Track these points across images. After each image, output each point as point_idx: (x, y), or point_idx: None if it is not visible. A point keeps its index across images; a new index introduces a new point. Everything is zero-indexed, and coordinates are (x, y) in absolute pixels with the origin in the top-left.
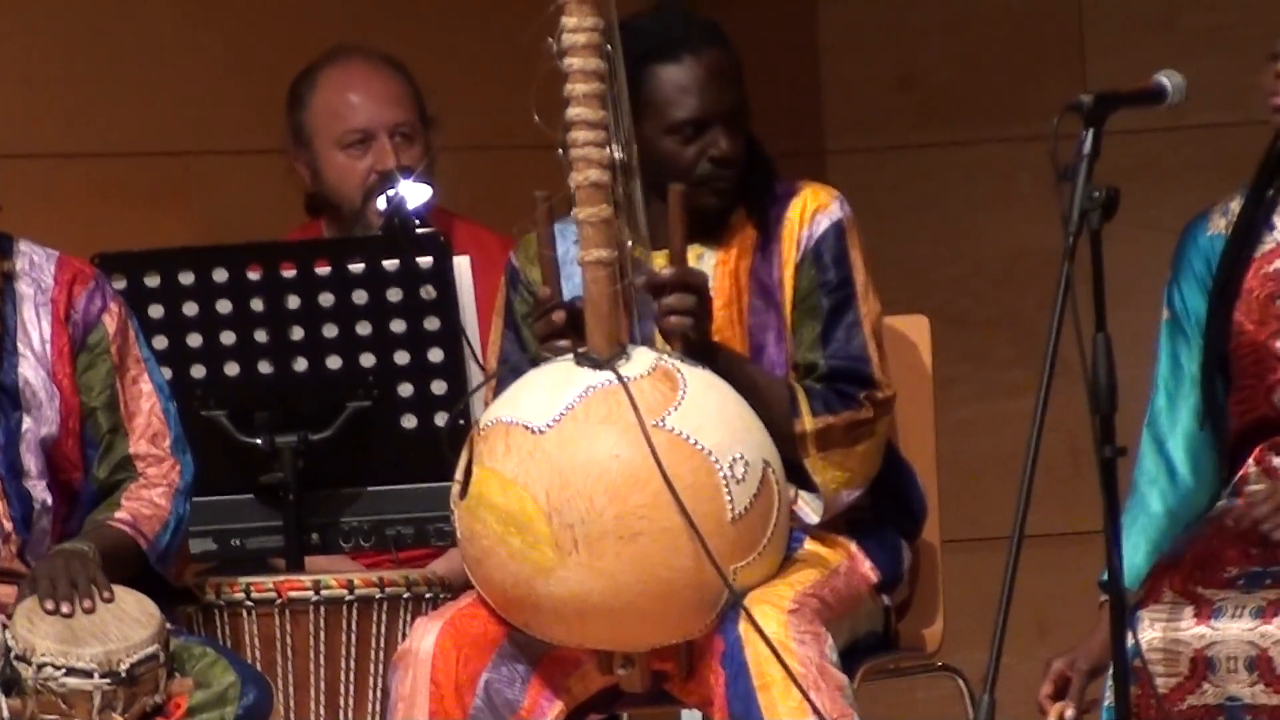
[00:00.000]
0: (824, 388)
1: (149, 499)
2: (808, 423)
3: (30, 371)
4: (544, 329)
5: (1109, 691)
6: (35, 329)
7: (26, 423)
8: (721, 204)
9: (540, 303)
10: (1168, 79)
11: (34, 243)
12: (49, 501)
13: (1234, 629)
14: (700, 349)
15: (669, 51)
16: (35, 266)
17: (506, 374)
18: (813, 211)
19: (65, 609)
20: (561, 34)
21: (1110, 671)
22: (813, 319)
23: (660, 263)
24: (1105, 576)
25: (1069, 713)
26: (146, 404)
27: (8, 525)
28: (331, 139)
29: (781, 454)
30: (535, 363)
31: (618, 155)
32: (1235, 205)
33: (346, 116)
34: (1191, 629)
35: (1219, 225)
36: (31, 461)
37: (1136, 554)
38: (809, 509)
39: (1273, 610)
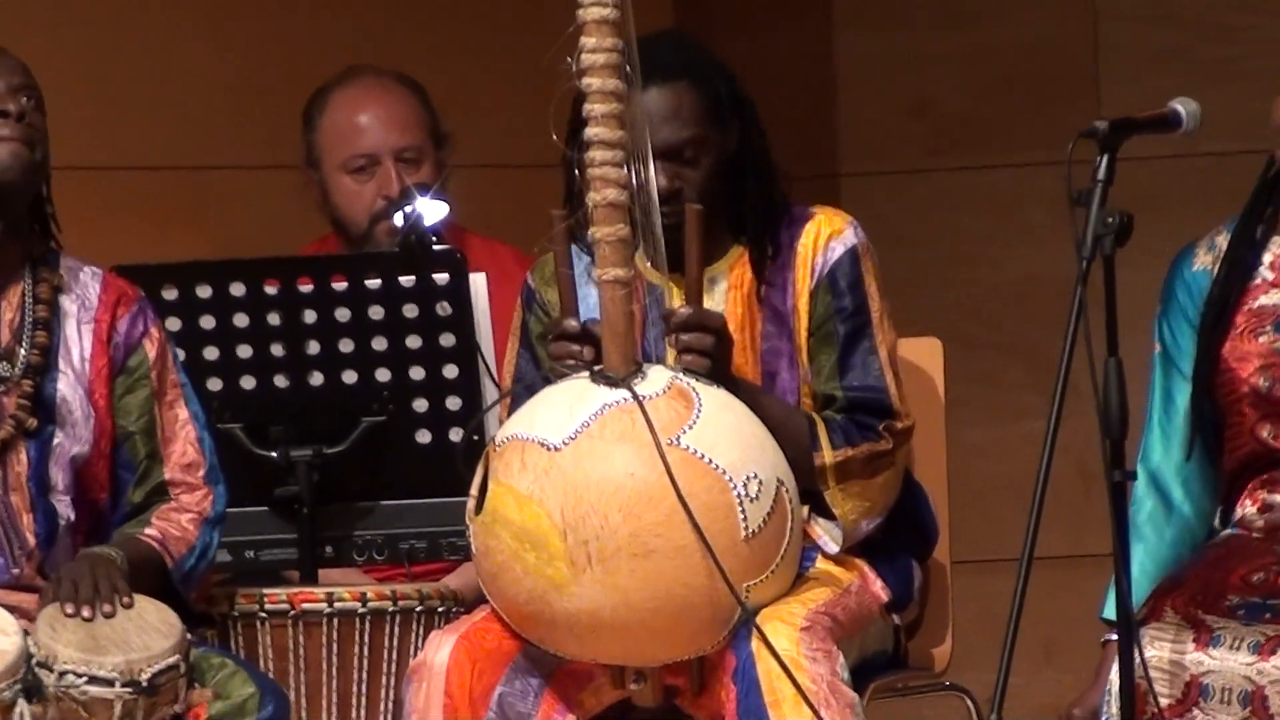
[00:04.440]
0: (843, 419)
1: (179, 522)
2: (827, 456)
3: (68, 389)
4: (560, 352)
5: (1107, 706)
6: (76, 347)
7: (59, 438)
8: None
9: (559, 328)
10: (1182, 106)
11: (79, 259)
12: (72, 517)
13: (1231, 661)
14: (720, 385)
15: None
16: (80, 284)
17: (521, 391)
18: (827, 237)
19: (86, 613)
20: (580, 54)
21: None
22: (829, 346)
23: (677, 292)
24: (1104, 610)
25: None
26: (183, 431)
27: (31, 540)
28: (337, 163)
29: (802, 485)
30: (550, 381)
31: (635, 176)
32: (1222, 240)
33: (352, 140)
34: (1190, 653)
35: (1205, 260)
36: (59, 477)
37: (1136, 586)
38: (829, 538)
39: (1270, 647)
